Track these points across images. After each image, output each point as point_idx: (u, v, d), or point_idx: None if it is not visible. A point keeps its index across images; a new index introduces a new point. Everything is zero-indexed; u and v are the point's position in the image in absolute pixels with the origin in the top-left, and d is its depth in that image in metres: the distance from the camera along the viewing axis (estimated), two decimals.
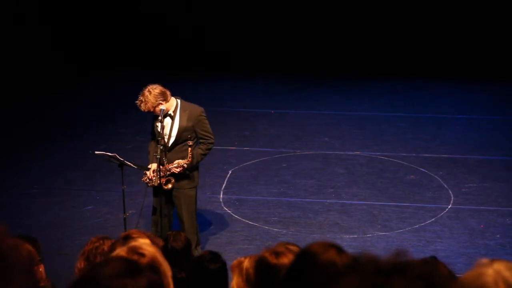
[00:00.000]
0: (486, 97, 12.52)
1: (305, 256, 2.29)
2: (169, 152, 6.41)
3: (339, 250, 2.28)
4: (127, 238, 3.31)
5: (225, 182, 8.84)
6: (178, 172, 6.38)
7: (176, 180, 6.44)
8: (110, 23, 14.72)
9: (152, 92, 6.23)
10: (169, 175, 6.39)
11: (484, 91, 12.82)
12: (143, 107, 6.24)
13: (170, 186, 6.41)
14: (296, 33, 14.32)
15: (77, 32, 14.33)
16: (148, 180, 6.42)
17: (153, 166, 6.42)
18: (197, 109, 6.48)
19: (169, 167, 6.36)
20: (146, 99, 6.21)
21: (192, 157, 6.34)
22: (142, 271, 1.67)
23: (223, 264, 4.03)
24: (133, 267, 1.66)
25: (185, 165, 6.35)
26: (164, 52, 14.63)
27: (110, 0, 14.74)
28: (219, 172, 9.13)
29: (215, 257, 4.04)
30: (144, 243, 2.53)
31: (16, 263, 1.53)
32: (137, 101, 6.27)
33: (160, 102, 6.24)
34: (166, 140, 6.38)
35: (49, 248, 6.64)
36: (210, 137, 6.54)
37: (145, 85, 6.40)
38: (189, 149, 6.31)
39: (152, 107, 6.24)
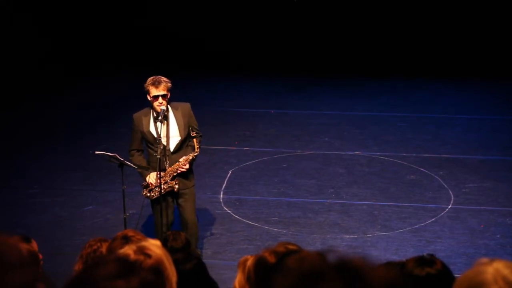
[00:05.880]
0: (486, 97, 12.52)
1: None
2: (174, 154, 6.36)
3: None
4: (126, 238, 3.30)
5: (225, 182, 8.84)
6: (186, 169, 6.35)
7: (181, 180, 6.40)
8: (110, 23, 14.73)
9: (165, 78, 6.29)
10: (174, 177, 6.34)
11: (484, 91, 12.81)
12: (161, 86, 6.18)
13: (176, 186, 6.37)
14: (297, 33, 14.32)
15: (77, 32, 14.33)
16: (148, 194, 6.40)
17: (153, 174, 6.36)
18: (186, 105, 6.51)
19: (176, 167, 6.31)
20: (165, 79, 6.22)
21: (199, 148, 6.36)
22: (135, 271, 1.64)
23: (198, 260, 4.06)
24: (126, 268, 1.64)
25: (194, 157, 6.36)
26: (164, 52, 14.63)
27: (110, 0, 14.74)
28: (219, 172, 9.12)
29: (187, 256, 4.06)
30: (153, 245, 2.51)
31: (16, 262, 1.53)
32: (154, 80, 6.22)
33: (170, 88, 6.24)
34: (165, 143, 6.30)
35: (49, 248, 6.65)
36: (199, 129, 6.53)
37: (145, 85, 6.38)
38: (195, 140, 6.31)
39: (167, 88, 6.21)
